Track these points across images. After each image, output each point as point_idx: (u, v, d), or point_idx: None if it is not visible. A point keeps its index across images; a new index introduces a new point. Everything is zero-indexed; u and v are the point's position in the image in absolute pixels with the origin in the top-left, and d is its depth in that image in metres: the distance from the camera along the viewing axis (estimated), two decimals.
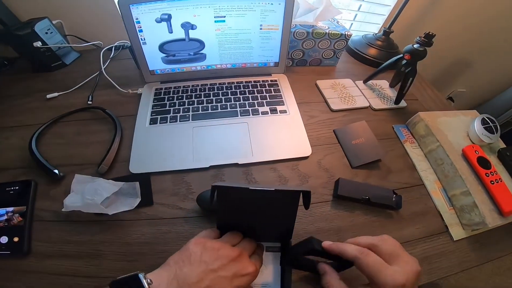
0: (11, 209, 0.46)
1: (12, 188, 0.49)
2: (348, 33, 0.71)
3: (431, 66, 1.21)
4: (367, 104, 0.68)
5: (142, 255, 0.43)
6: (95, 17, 0.81)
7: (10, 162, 0.53)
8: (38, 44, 0.69)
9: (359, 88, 0.72)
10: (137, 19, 0.56)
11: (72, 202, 0.44)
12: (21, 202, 0.47)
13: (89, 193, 0.44)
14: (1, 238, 0.44)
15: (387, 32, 0.84)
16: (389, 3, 0.93)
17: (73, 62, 0.77)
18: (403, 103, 0.70)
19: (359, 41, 0.86)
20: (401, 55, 0.65)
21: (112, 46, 0.78)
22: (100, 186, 0.46)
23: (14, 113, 0.62)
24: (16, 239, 0.44)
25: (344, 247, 0.34)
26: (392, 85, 0.74)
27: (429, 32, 0.59)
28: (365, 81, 0.74)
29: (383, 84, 0.75)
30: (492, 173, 0.51)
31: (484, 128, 0.57)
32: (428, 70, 1.23)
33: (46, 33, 0.71)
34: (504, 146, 0.59)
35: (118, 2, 0.53)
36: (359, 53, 0.84)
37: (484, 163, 0.52)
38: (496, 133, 0.57)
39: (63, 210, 0.44)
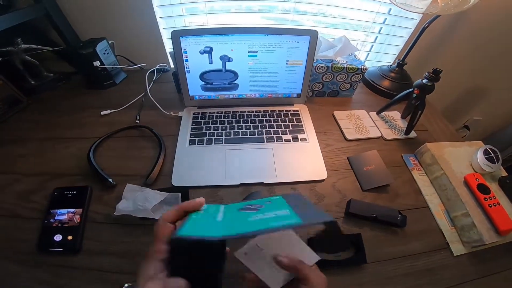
0: (72, 210, 0.54)
1: (70, 192, 0.57)
2: (364, 67, 0.79)
3: (448, 94, 1.26)
4: (379, 135, 0.76)
5: None
6: (140, 41, 0.92)
7: (69, 169, 0.63)
8: (97, 63, 0.79)
9: (372, 119, 0.79)
10: (185, 49, 0.66)
11: (124, 207, 0.52)
12: (77, 204, 0.55)
13: (140, 200, 0.52)
14: (56, 236, 0.50)
15: (400, 64, 0.90)
16: (404, 35, 1.00)
17: (121, 81, 0.89)
18: (413, 134, 0.77)
19: (374, 72, 0.94)
20: (411, 89, 0.72)
21: (154, 69, 0.89)
22: (149, 195, 0.54)
23: (72, 126, 0.73)
24: (70, 237, 0.50)
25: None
26: (403, 117, 0.81)
27: (437, 68, 0.65)
28: (378, 113, 0.81)
29: (395, 115, 0.82)
30: (490, 198, 0.57)
31: (486, 158, 0.63)
32: (444, 98, 1.28)
33: (104, 53, 0.82)
34: (506, 174, 0.64)
35: (171, 33, 0.64)
36: (374, 84, 0.91)
37: (483, 189, 0.58)
38: (497, 162, 0.63)
39: (114, 213, 0.51)
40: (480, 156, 0.64)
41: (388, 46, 1.06)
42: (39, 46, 0.80)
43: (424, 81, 0.68)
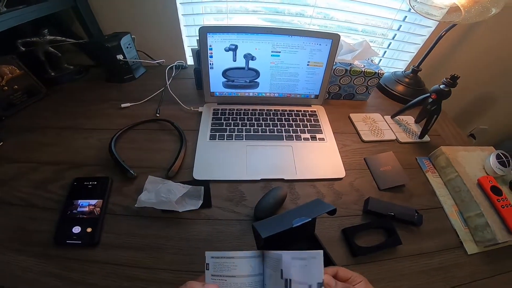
0: (93, 202, 0.53)
1: (90, 183, 0.57)
2: (381, 72, 0.81)
3: (455, 103, 1.27)
4: (394, 137, 0.77)
5: (198, 250, 0.50)
6: (161, 37, 0.93)
7: (88, 160, 0.63)
8: (120, 57, 0.80)
9: (387, 123, 0.81)
10: (210, 46, 0.67)
11: (147, 198, 0.51)
12: (98, 196, 0.54)
13: (163, 192, 0.52)
14: (74, 228, 0.49)
15: (415, 70, 0.92)
16: (418, 42, 1.02)
17: (140, 76, 0.90)
18: (426, 138, 0.78)
19: (388, 77, 0.96)
20: (428, 94, 0.73)
21: (173, 65, 0.91)
22: (172, 187, 0.54)
23: (91, 117, 0.74)
24: (89, 229, 0.49)
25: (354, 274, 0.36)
26: (417, 121, 0.83)
27: (455, 74, 0.67)
28: (392, 116, 0.83)
29: (408, 119, 0.84)
30: (503, 199, 0.59)
31: (498, 162, 0.65)
32: (451, 106, 1.29)
33: (127, 47, 0.83)
34: None
35: (199, 29, 0.65)
36: (388, 89, 0.93)
37: (496, 191, 0.60)
38: (509, 166, 0.65)
39: (136, 206, 0.51)
40: (493, 160, 0.66)
41: (401, 53, 1.08)
42: (63, 38, 0.81)
43: (442, 86, 0.70)
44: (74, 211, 0.52)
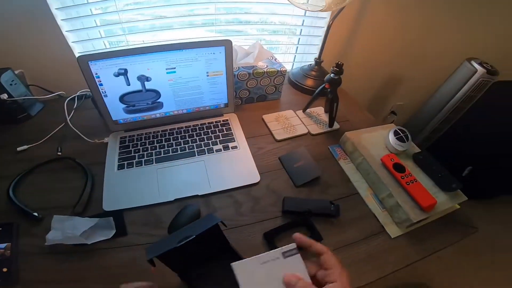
0: (2, 245, 0.52)
1: None
2: (283, 69, 0.84)
3: (368, 84, 1.39)
4: (306, 131, 0.81)
5: (123, 276, 0.49)
6: (56, 67, 0.86)
7: None
8: (4, 96, 0.72)
9: (299, 117, 0.85)
10: (96, 74, 0.64)
11: (54, 237, 0.51)
12: (5, 240, 0.53)
13: (69, 228, 0.52)
14: None
15: (318, 62, 0.97)
16: (320, 34, 1.07)
17: (38, 113, 0.82)
18: (336, 125, 0.83)
19: (297, 73, 1.00)
20: (323, 84, 0.78)
21: (75, 96, 0.85)
22: (78, 222, 0.54)
23: None
24: (5, 269, 0.50)
25: (313, 242, 0.39)
26: (326, 111, 0.87)
27: (338, 62, 0.72)
28: (303, 110, 0.87)
29: (319, 110, 0.89)
30: (407, 176, 0.63)
31: (397, 138, 0.70)
32: (366, 88, 1.40)
33: (11, 84, 0.75)
34: (419, 150, 0.71)
35: (77, 58, 0.61)
36: (298, 84, 0.97)
37: (399, 168, 0.64)
38: (407, 141, 0.70)
39: (46, 244, 0.50)
40: (391, 137, 0.71)
41: (309, 47, 1.13)
42: None
43: (332, 75, 0.74)
44: None
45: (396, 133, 0.72)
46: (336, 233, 0.59)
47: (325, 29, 1.03)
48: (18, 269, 0.51)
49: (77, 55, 0.85)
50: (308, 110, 0.87)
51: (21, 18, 0.74)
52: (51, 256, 0.52)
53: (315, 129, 0.82)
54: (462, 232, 0.63)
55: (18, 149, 0.70)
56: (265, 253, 0.35)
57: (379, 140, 0.74)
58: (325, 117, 0.86)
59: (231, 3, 0.93)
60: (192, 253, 0.44)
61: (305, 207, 0.60)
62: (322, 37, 1.04)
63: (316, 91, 0.81)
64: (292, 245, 0.37)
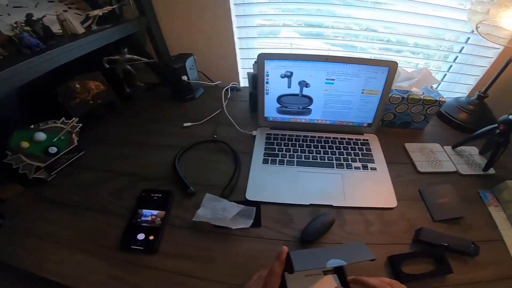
0: (156, 212, 0.59)
1: (156, 195, 0.63)
2: (442, 100, 0.77)
3: None
4: (455, 169, 0.73)
5: (246, 265, 0.52)
6: (218, 59, 1.00)
7: (156, 174, 0.71)
8: (185, 78, 0.88)
9: (447, 153, 0.77)
10: (267, 72, 0.71)
11: (204, 214, 0.57)
12: (161, 207, 0.60)
13: (220, 210, 0.57)
14: (139, 235, 0.55)
15: (481, 96, 0.85)
16: (484, 64, 0.94)
17: (200, 96, 0.98)
18: (491, 171, 0.72)
19: (449, 104, 0.90)
20: (495, 125, 0.68)
21: (228, 87, 0.97)
22: (228, 205, 0.59)
23: (159, 134, 0.83)
24: (151, 237, 0.55)
25: (367, 279, 0.41)
26: (481, 153, 0.77)
27: None
28: (454, 147, 0.78)
29: (471, 150, 0.78)
30: None
31: None
32: None
33: (190, 68, 0.91)
34: None
35: (258, 55, 0.69)
36: (449, 117, 0.87)
37: None
38: None
39: (193, 219, 0.56)
40: None
41: (463, 76, 1.01)
42: (139, 57, 0.91)
43: (510, 116, 0.65)
44: (139, 219, 0.59)
45: None
46: (467, 271, 0.53)
47: (493, 59, 0.91)
48: (161, 239, 0.56)
49: (237, 50, 0.97)
50: (458, 148, 0.78)
51: (207, 9, 0.87)
52: (192, 232, 0.58)
53: (465, 170, 0.73)
54: None
55: (184, 124, 0.85)
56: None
57: None
58: (478, 159, 0.75)
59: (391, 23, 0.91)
60: None
61: (442, 241, 0.55)
62: (488, 68, 0.92)
63: (482, 130, 0.71)
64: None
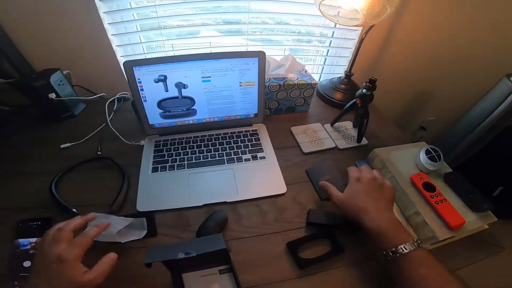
0: (33, 239, 0.56)
1: (35, 223, 0.59)
2: (313, 82, 0.84)
3: (398, 99, 1.36)
4: (334, 145, 0.81)
5: (147, 274, 0.50)
6: (98, 70, 0.92)
7: (31, 203, 0.63)
8: (52, 96, 0.78)
9: (327, 131, 0.85)
10: (139, 79, 0.68)
11: None
12: (42, 234, 0.55)
13: None
14: (25, 262, 0.53)
15: (348, 75, 0.97)
16: (350, 46, 1.07)
17: (80, 112, 0.88)
18: (364, 141, 0.83)
19: (326, 85, 1.00)
20: (354, 100, 0.78)
21: (115, 98, 0.90)
22: (113, 220, 0.55)
23: (31, 160, 0.73)
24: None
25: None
26: (355, 126, 0.87)
27: (372, 77, 0.71)
28: (331, 124, 0.87)
29: (347, 125, 0.88)
30: (436, 195, 0.61)
31: (428, 158, 0.68)
32: (395, 103, 1.38)
33: (59, 84, 0.81)
34: (451, 170, 0.70)
35: (123, 64, 0.65)
36: (327, 97, 0.97)
37: (429, 187, 0.63)
38: (439, 161, 0.68)
39: None
40: (422, 156, 0.69)
41: (339, 58, 1.13)
42: None
43: (364, 91, 0.74)
44: (17, 250, 0.55)
45: (427, 152, 0.70)
46: (357, 246, 0.59)
47: (356, 41, 1.03)
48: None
49: (119, 58, 0.91)
50: (336, 124, 0.87)
51: (71, 20, 0.80)
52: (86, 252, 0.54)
53: (343, 144, 0.82)
54: (488, 251, 0.61)
55: (62, 146, 0.76)
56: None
57: (409, 158, 0.73)
58: (353, 132, 0.86)
59: (263, 13, 0.96)
60: (191, 261, 0.45)
61: (330, 219, 0.61)
62: (353, 50, 1.04)
63: (346, 106, 0.81)
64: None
